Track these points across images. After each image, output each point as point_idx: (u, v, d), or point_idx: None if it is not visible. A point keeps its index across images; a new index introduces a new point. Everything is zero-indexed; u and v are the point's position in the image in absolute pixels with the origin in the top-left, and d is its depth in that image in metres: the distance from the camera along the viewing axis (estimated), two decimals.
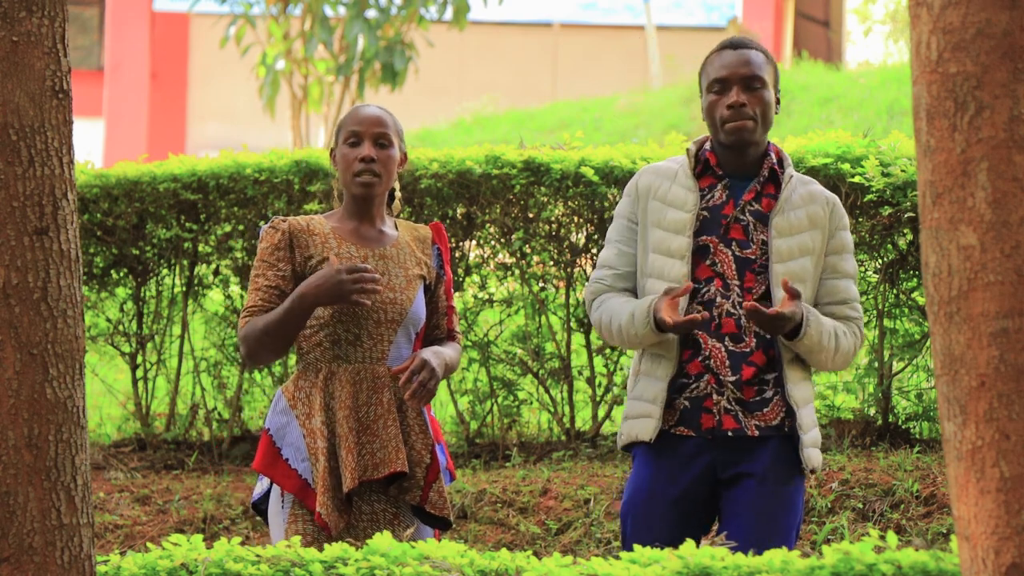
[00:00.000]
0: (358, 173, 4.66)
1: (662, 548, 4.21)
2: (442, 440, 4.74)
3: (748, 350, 4.52)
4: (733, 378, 4.51)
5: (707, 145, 4.63)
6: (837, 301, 4.59)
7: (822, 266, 4.59)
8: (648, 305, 4.49)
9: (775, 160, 4.61)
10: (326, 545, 3.72)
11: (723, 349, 4.52)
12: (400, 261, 4.71)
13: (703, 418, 4.53)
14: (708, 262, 4.54)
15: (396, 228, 4.78)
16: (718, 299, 4.53)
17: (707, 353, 4.52)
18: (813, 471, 4.55)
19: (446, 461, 4.72)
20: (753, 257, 4.53)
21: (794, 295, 4.42)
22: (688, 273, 4.52)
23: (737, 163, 4.58)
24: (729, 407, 4.52)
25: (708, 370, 4.52)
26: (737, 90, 4.51)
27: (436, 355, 4.61)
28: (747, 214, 4.56)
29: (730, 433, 4.51)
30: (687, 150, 4.64)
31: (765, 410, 4.53)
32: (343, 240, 4.68)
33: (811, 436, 4.57)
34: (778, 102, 4.61)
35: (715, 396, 4.52)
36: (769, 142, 4.63)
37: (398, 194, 4.84)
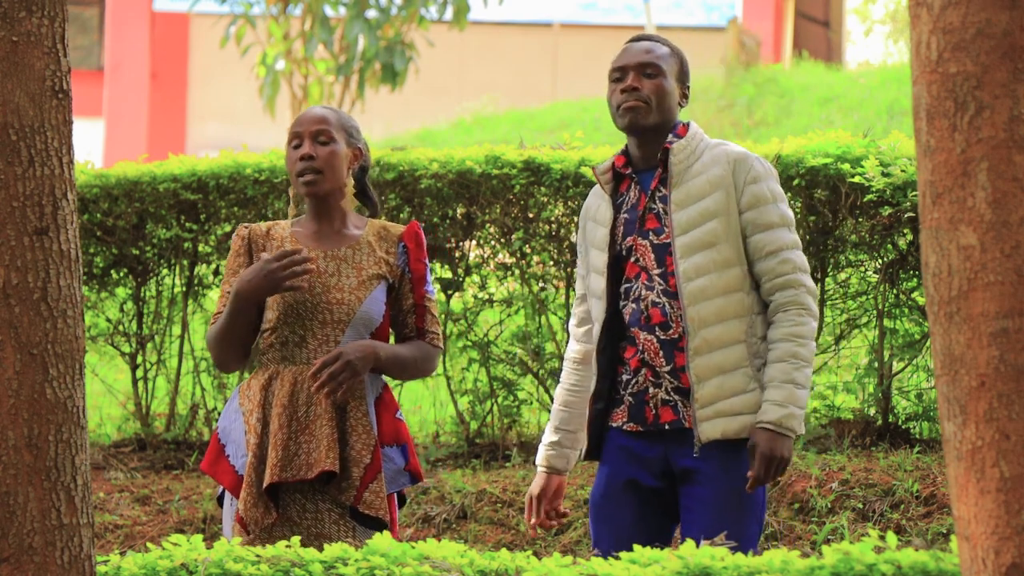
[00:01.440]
0: (300, 172, 4.68)
1: (628, 534, 4.27)
2: (406, 440, 4.71)
3: (676, 336, 4.51)
4: (668, 367, 4.52)
5: (620, 150, 4.67)
6: (764, 255, 4.51)
7: (740, 224, 4.53)
8: (539, 465, 4.78)
9: (671, 139, 4.59)
10: (326, 545, 3.72)
11: (655, 340, 4.53)
12: (355, 261, 4.70)
13: (645, 412, 4.55)
14: (633, 259, 4.58)
15: (363, 227, 4.78)
16: (643, 292, 4.55)
17: (641, 347, 4.55)
18: (723, 442, 4.48)
19: (405, 462, 4.69)
20: (668, 240, 4.54)
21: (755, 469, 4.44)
22: (605, 288, 4.58)
23: (643, 156, 4.61)
24: (667, 398, 4.52)
25: (644, 363, 4.55)
26: (633, 75, 4.57)
27: (363, 347, 4.60)
28: (657, 201, 4.58)
29: (667, 426, 4.52)
30: (593, 169, 4.71)
31: None
32: (299, 242, 4.71)
33: (719, 407, 4.46)
34: (685, 96, 4.63)
35: (652, 389, 4.54)
36: (678, 124, 4.61)
37: (349, 191, 4.78)
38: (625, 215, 4.61)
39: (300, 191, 4.72)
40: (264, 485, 4.55)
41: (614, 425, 4.61)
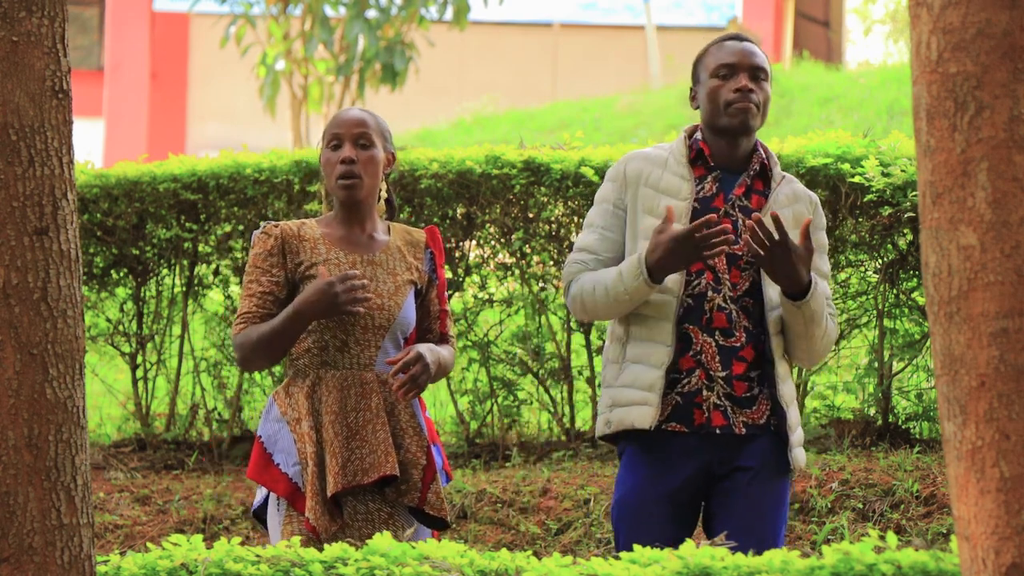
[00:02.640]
0: (340, 176, 4.66)
1: (658, 548, 4.24)
2: (438, 441, 4.74)
3: (738, 344, 4.50)
4: (723, 373, 4.50)
5: (698, 135, 4.62)
6: None
7: None
8: (638, 256, 4.44)
9: (764, 156, 4.61)
10: (325, 546, 3.72)
11: (713, 344, 4.50)
12: (389, 267, 4.70)
13: (695, 414, 4.51)
14: None
15: (389, 232, 4.77)
16: (709, 293, 4.51)
17: (698, 348, 4.51)
18: (798, 471, 4.58)
19: (442, 462, 4.71)
20: (740, 253, 4.52)
21: (807, 237, 4.40)
22: None
23: (728, 155, 4.58)
24: (719, 403, 4.50)
25: (699, 365, 4.51)
26: (744, 76, 4.54)
27: (431, 351, 4.61)
28: (736, 209, 4.56)
29: (718, 430, 4.50)
30: (681, 136, 4.63)
31: (753, 408, 4.52)
32: (332, 246, 4.68)
33: (797, 436, 4.57)
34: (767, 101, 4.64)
35: (705, 392, 4.50)
36: (757, 140, 4.63)
37: (383, 195, 4.79)
38: (696, 203, 4.56)
39: (338, 194, 4.68)
40: (330, 494, 4.52)
41: (658, 424, 4.53)
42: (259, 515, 4.72)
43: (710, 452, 4.51)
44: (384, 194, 4.80)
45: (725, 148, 4.58)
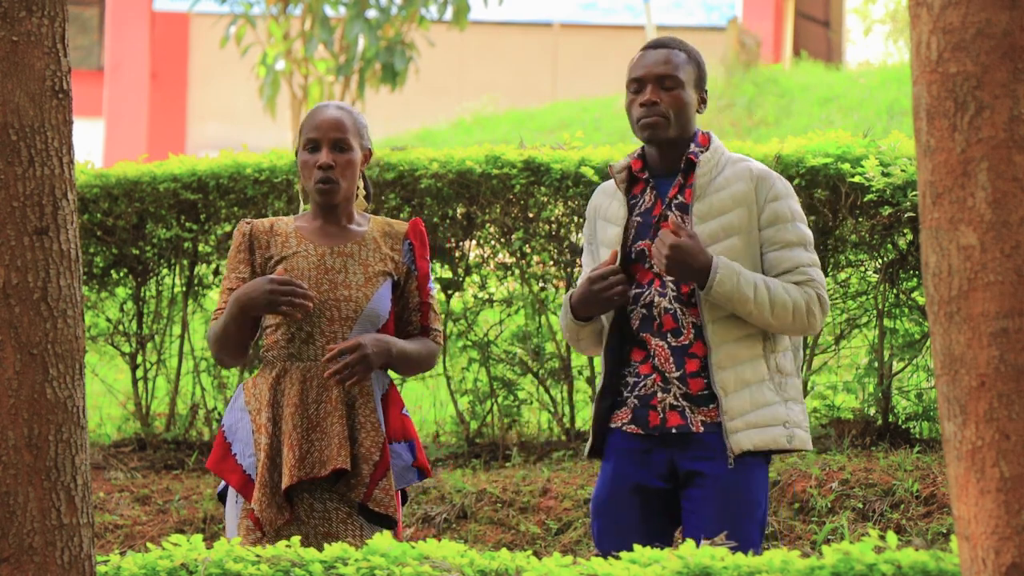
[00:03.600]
0: (317, 181, 4.68)
1: (630, 539, 4.27)
2: (413, 437, 4.72)
3: (687, 342, 4.54)
4: (678, 373, 4.54)
5: (636, 153, 4.67)
6: (782, 272, 4.55)
7: (759, 241, 4.57)
8: (568, 295, 4.65)
9: (694, 149, 4.60)
10: (326, 545, 3.72)
11: (666, 346, 4.56)
12: (361, 258, 4.70)
13: (650, 416, 4.57)
14: (646, 265, 4.59)
15: (367, 223, 4.78)
16: (656, 298, 4.57)
17: (651, 352, 4.56)
18: (749, 453, 4.50)
19: (413, 458, 4.70)
20: None
21: (680, 233, 4.44)
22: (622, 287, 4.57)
23: (663, 162, 4.62)
24: (675, 403, 4.54)
25: (655, 369, 4.56)
26: (651, 88, 4.57)
27: (379, 342, 4.61)
28: (673, 209, 4.59)
29: (674, 430, 4.54)
30: (609, 167, 4.69)
31: (711, 405, 4.53)
32: (304, 238, 4.70)
33: (747, 419, 4.50)
34: (703, 101, 4.65)
35: (660, 394, 4.55)
36: (698, 133, 4.64)
37: (361, 192, 4.80)
38: (638, 218, 4.62)
39: (316, 198, 4.70)
40: (284, 486, 4.53)
41: (615, 426, 4.63)
42: (223, 498, 4.75)
43: (671, 452, 4.55)
44: (362, 190, 4.81)
45: (656, 156, 4.63)
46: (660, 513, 4.59)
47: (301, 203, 4.86)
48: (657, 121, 4.55)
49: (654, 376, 4.57)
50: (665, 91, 4.57)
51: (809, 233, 4.61)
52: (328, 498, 4.62)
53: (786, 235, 4.57)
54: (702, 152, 4.60)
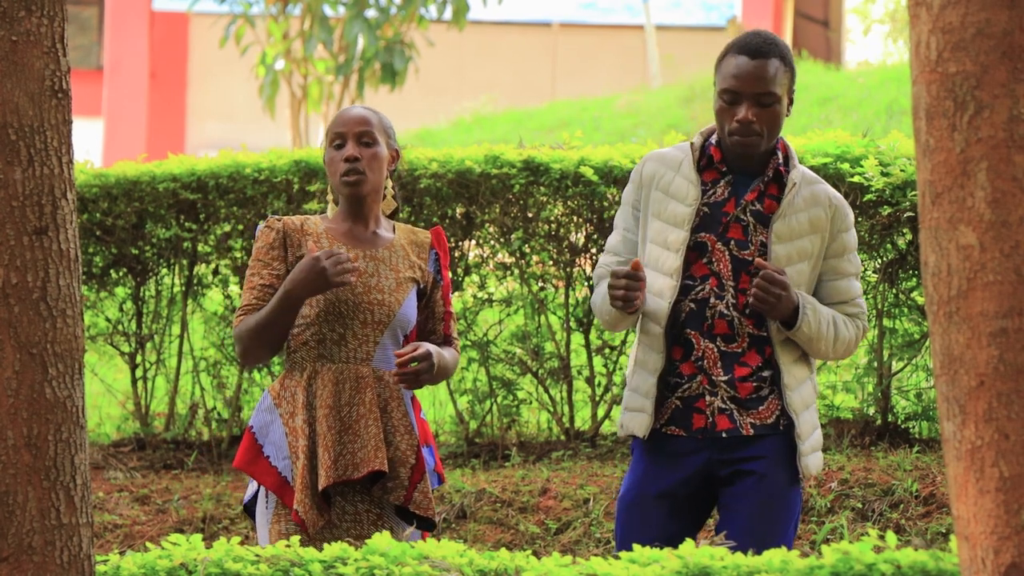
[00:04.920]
0: (344, 173, 4.66)
1: (654, 543, 4.23)
2: (432, 442, 4.73)
3: (740, 351, 4.48)
4: (725, 378, 4.48)
5: (713, 138, 4.55)
6: (838, 302, 4.55)
7: (820, 268, 4.54)
8: (596, 272, 4.58)
9: (781, 160, 4.53)
10: (325, 545, 3.72)
11: (715, 349, 4.48)
12: (392, 263, 4.70)
13: (694, 418, 4.49)
14: (704, 260, 4.49)
15: (394, 231, 4.78)
16: (712, 299, 4.48)
17: (699, 354, 4.49)
18: (808, 477, 4.55)
19: (434, 463, 4.71)
20: (750, 259, 4.47)
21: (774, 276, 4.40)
22: (680, 268, 4.46)
23: (742, 160, 4.51)
24: (724, 406, 4.48)
25: (700, 370, 4.49)
26: (747, 105, 4.42)
27: (437, 353, 4.62)
28: (748, 214, 4.50)
29: (724, 434, 4.49)
30: (691, 142, 4.57)
31: (761, 408, 4.49)
32: (335, 240, 4.69)
33: (811, 443, 4.53)
34: (791, 102, 4.51)
35: (708, 397, 4.48)
36: (780, 139, 4.55)
37: (389, 192, 4.79)
38: (705, 207, 4.50)
39: (342, 191, 4.68)
40: (321, 488, 4.53)
41: (656, 427, 4.54)
42: (249, 509, 4.72)
43: (711, 453, 4.50)
44: (391, 191, 4.81)
45: (738, 155, 4.51)
46: (686, 515, 4.55)
47: (332, 208, 4.83)
48: (752, 141, 4.44)
49: (700, 378, 4.49)
50: (761, 108, 4.42)
51: (860, 262, 4.63)
52: (359, 500, 4.63)
53: (848, 267, 4.56)
54: (785, 161, 4.52)
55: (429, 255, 4.78)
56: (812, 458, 4.53)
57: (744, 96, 4.42)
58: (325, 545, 3.72)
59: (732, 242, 4.49)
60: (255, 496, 4.68)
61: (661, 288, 4.49)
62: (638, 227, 4.58)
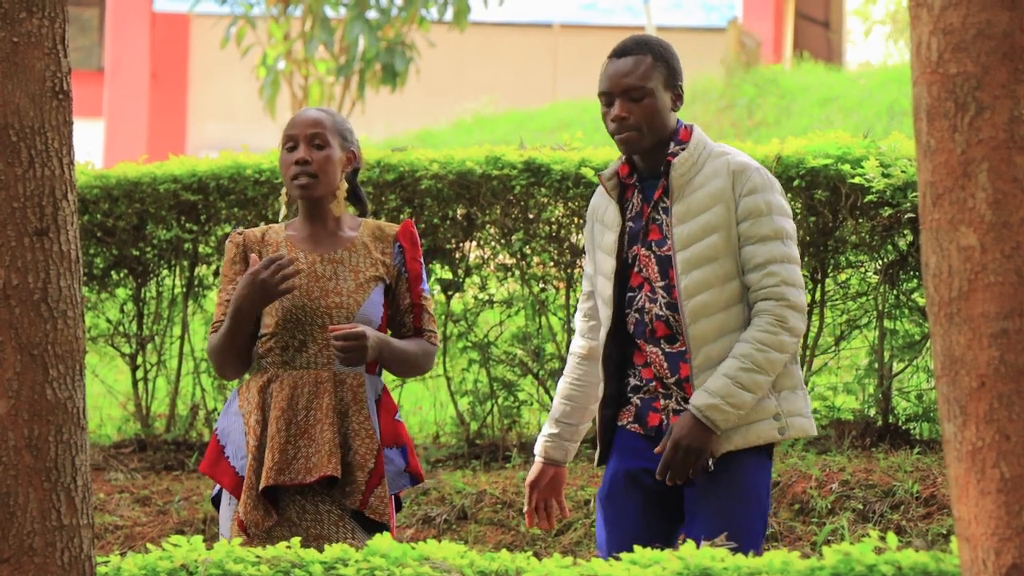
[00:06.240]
0: (294, 176, 4.69)
1: (633, 530, 4.26)
2: (406, 442, 4.73)
3: (683, 349, 4.52)
4: (673, 379, 4.53)
5: (624, 157, 4.64)
6: (752, 267, 4.49)
7: (737, 236, 4.52)
8: (537, 455, 4.73)
9: (673, 149, 4.56)
10: (326, 546, 3.72)
11: (660, 352, 4.55)
12: (352, 264, 4.71)
13: (650, 417, 4.57)
14: (636, 269, 4.58)
15: (357, 228, 4.78)
16: (646, 304, 4.55)
17: (648, 359, 4.57)
18: (739, 452, 4.49)
19: (406, 464, 4.71)
20: (671, 252, 4.53)
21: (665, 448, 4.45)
22: (611, 295, 4.56)
23: (646, 165, 4.59)
24: (678, 408, 4.54)
25: (654, 375, 4.57)
26: (620, 103, 4.52)
27: (379, 337, 4.61)
28: (660, 211, 4.57)
29: None
30: (598, 175, 4.68)
31: None
32: (294, 246, 4.72)
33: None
34: (679, 98, 4.56)
35: (663, 400, 4.55)
36: (680, 128, 4.57)
37: (341, 193, 4.78)
38: (630, 223, 4.60)
39: (293, 193, 4.72)
40: (260, 488, 4.55)
41: (620, 424, 4.63)
42: (216, 502, 4.77)
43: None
44: (342, 192, 4.78)
45: (640, 160, 4.60)
46: (661, 514, 4.59)
47: (284, 210, 4.84)
48: (630, 136, 4.51)
49: (654, 382, 4.57)
50: (634, 102, 4.51)
51: (788, 226, 4.52)
52: (320, 500, 4.63)
53: (760, 229, 4.49)
54: (682, 150, 4.55)
55: (393, 248, 4.77)
56: (724, 436, 4.44)
57: (615, 94, 4.53)
58: (326, 546, 3.72)
59: (653, 243, 4.56)
60: (220, 491, 4.71)
61: (604, 317, 4.64)
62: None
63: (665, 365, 4.54)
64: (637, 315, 4.57)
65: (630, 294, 4.58)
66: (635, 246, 4.58)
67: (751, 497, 4.50)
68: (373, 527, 4.65)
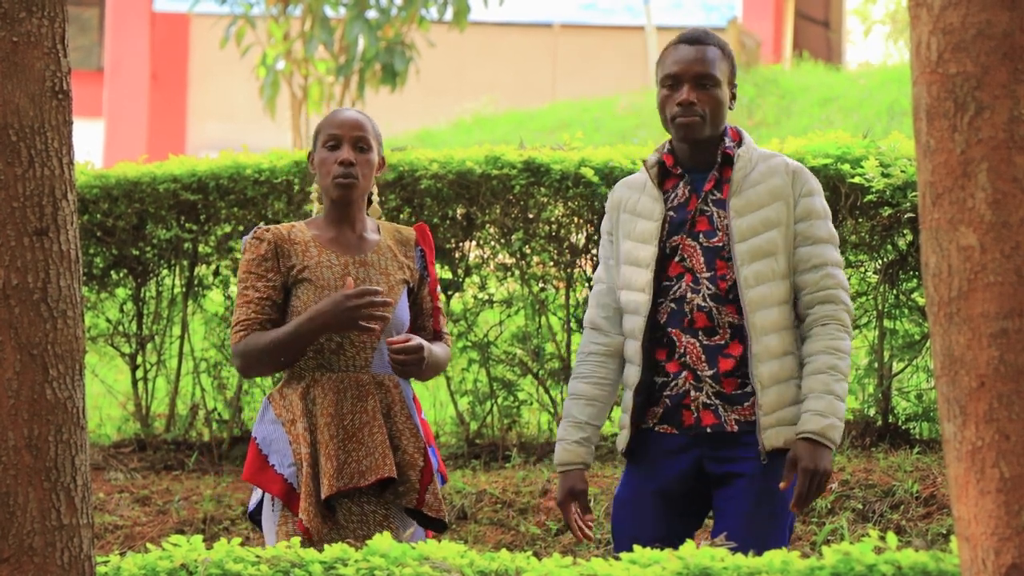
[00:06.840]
0: (337, 176, 4.67)
1: (651, 541, 4.23)
2: (433, 443, 4.75)
3: (723, 342, 4.51)
4: (710, 372, 4.51)
5: (666, 147, 4.66)
6: (809, 268, 4.55)
7: (793, 235, 4.57)
8: (568, 463, 4.66)
9: (729, 144, 4.60)
10: (326, 546, 3.73)
11: (697, 344, 4.53)
12: (382, 267, 4.71)
13: (683, 415, 4.54)
14: (677, 259, 4.56)
15: (378, 231, 4.78)
16: (688, 294, 4.54)
17: (682, 350, 4.54)
18: (775, 451, 4.49)
19: (438, 464, 4.72)
20: (721, 244, 4.54)
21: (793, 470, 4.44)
22: (651, 281, 4.54)
23: (695, 157, 4.60)
24: (708, 402, 4.51)
25: (685, 367, 4.54)
26: (688, 88, 4.54)
27: (428, 347, 4.63)
28: (710, 204, 4.57)
29: (708, 429, 4.52)
30: (644, 162, 4.68)
31: (746, 404, 4.51)
32: (323, 248, 4.69)
33: (777, 416, 4.48)
34: (733, 97, 4.62)
35: (693, 393, 4.52)
36: (728, 128, 4.62)
37: (375, 198, 4.82)
38: (671, 213, 4.59)
39: (332, 194, 4.69)
40: (324, 496, 4.53)
41: (645, 425, 4.60)
42: (254, 517, 4.72)
43: (702, 450, 4.53)
44: (376, 198, 4.83)
45: (688, 152, 4.61)
46: (682, 514, 4.58)
47: (316, 206, 4.83)
48: (694, 122, 4.53)
49: (685, 374, 4.53)
50: (702, 90, 4.55)
51: (836, 233, 4.63)
52: (365, 501, 4.64)
53: (817, 231, 4.57)
54: (736, 147, 4.59)
55: (415, 252, 4.78)
56: (771, 432, 4.48)
57: (684, 79, 4.56)
58: (326, 546, 3.73)
59: (701, 235, 4.57)
60: (259, 505, 4.68)
61: (637, 305, 4.58)
62: (617, 254, 4.68)
63: (703, 357, 4.52)
64: (674, 305, 4.55)
65: (666, 283, 4.56)
66: (678, 236, 4.57)
67: (781, 505, 4.50)
68: (431, 525, 4.67)
